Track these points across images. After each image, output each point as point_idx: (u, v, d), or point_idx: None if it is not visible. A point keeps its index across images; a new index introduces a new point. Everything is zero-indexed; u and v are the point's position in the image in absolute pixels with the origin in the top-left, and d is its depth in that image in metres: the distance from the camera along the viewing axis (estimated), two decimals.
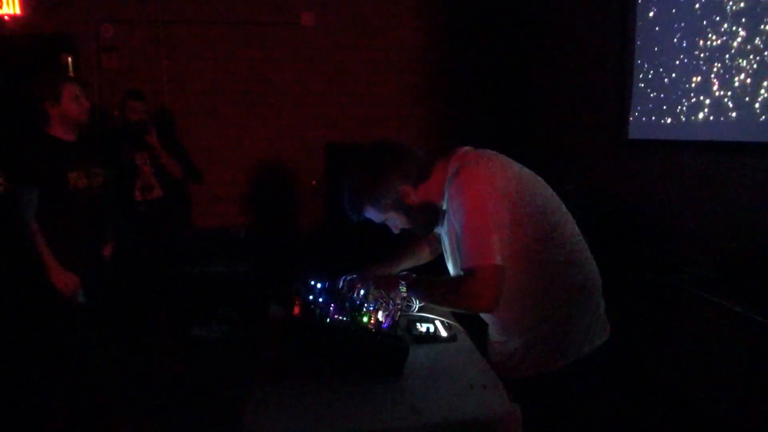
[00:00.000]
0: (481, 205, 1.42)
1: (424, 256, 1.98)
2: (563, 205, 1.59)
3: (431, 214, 1.61)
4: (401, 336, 1.51)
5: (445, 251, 1.72)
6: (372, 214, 1.60)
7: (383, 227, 1.68)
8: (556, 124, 4.69)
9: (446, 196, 1.54)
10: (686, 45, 3.08)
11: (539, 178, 1.59)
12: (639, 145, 3.53)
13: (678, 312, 2.80)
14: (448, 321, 1.77)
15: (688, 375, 2.73)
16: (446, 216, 1.59)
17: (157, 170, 3.71)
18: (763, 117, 2.57)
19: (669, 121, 3.23)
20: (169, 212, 3.82)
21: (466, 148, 1.59)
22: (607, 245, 3.31)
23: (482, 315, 1.64)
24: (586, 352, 1.53)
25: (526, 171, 1.56)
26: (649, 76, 3.40)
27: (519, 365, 1.56)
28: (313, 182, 5.05)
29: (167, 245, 3.82)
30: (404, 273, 1.75)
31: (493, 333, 1.67)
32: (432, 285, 1.59)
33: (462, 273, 1.45)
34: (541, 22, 4.94)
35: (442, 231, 1.68)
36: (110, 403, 2.87)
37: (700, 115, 2.97)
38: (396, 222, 1.63)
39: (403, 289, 1.62)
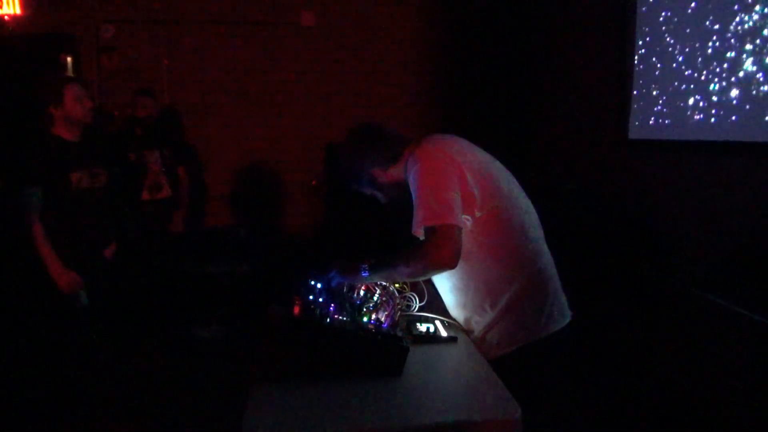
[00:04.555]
0: (435, 171, 1.54)
1: None
2: (523, 193, 1.72)
3: (402, 190, 1.75)
4: (401, 336, 1.51)
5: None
6: (357, 189, 1.84)
7: (381, 229, 1.71)
8: (556, 124, 4.69)
9: (406, 170, 1.67)
10: (686, 45, 3.08)
11: (500, 164, 1.72)
12: (639, 145, 3.53)
13: (678, 312, 2.80)
14: (448, 321, 1.77)
15: (687, 375, 2.73)
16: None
17: (167, 169, 3.70)
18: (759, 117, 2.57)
19: (669, 121, 3.23)
20: (174, 211, 3.81)
21: (434, 134, 1.73)
22: (607, 245, 3.33)
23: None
24: (542, 335, 1.61)
25: (487, 155, 1.70)
26: (649, 77, 3.40)
27: (481, 349, 1.62)
28: (313, 182, 5.05)
29: (170, 244, 3.81)
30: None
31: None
32: (392, 259, 1.60)
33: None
34: (540, 22, 4.94)
35: None
36: (110, 402, 2.87)
37: (701, 115, 2.97)
38: (377, 196, 1.84)
39: (366, 273, 1.63)
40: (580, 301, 1.91)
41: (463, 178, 1.54)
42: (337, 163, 1.85)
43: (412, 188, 1.57)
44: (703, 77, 2.93)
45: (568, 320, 1.69)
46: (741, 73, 2.67)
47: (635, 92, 3.51)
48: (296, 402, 1.29)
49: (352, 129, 1.82)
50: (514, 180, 1.73)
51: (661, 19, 3.28)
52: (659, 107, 3.30)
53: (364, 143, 1.77)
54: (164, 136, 3.85)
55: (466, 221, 1.55)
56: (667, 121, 3.23)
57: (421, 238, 1.53)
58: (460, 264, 1.50)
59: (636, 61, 3.49)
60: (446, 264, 1.49)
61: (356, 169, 1.77)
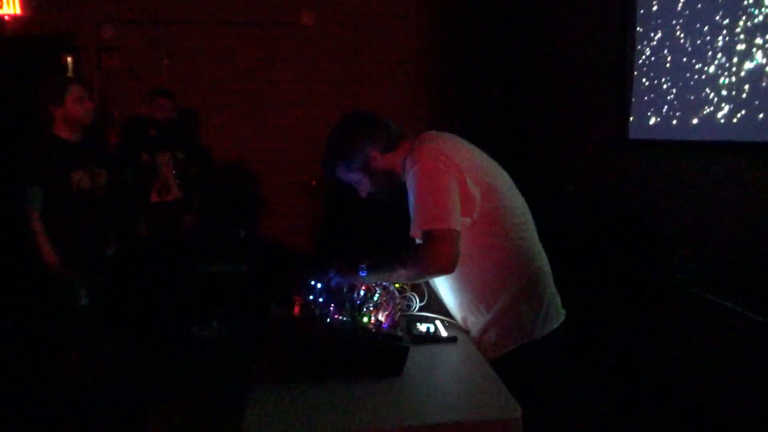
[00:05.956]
0: (434, 173, 1.51)
1: None
2: (519, 193, 1.70)
3: (392, 182, 1.72)
4: (401, 336, 1.51)
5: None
6: (342, 173, 1.74)
7: (381, 229, 1.70)
8: (556, 124, 4.69)
9: (404, 169, 1.64)
10: (686, 45, 3.08)
11: (496, 164, 1.70)
12: (639, 145, 3.53)
13: (678, 312, 2.80)
14: (448, 321, 1.77)
15: (687, 374, 2.72)
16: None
17: (178, 172, 3.66)
18: (761, 116, 2.57)
19: (669, 121, 3.23)
20: (184, 214, 3.78)
21: (431, 131, 1.69)
22: (607, 245, 3.33)
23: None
24: (538, 335, 1.61)
25: (484, 155, 1.68)
26: (650, 77, 3.41)
27: (479, 349, 1.61)
28: (313, 182, 5.05)
29: (180, 246, 3.79)
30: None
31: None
32: (390, 260, 1.59)
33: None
34: (541, 22, 4.94)
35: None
36: (110, 403, 2.87)
37: (701, 115, 2.97)
38: (362, 184, 1.75)
39: (364, 273, 1.62)
40: (579, 301, 1.91)
41: (462, 180, 1.53)
42: (327, 142, 1.75)
43: (410, 190, 1.55)
44: (712, 70, 2.92)
45: (563, 319, 1.70)
46: (751, 66, 2.66)
47: (646, 83, 3.48)
48: (296, 402, 1.29)
49: (348, 113, 1.76)
50: (510, 180, 1.72)
51: (673, 11, 3.26)
52: (659, 107, 3.30)
53: (363, 122, 1.71)
54: (179, 138, 3.78)
55: (464, 222, 1.55)
56: (667, 121, 3.23)
57: (419, 241, 1.53)
58: (457, 265, 1.50)
59: (648, 54, 3.47)
60: (444, 268, 1.49)
61: (351, 147, 1.67)
